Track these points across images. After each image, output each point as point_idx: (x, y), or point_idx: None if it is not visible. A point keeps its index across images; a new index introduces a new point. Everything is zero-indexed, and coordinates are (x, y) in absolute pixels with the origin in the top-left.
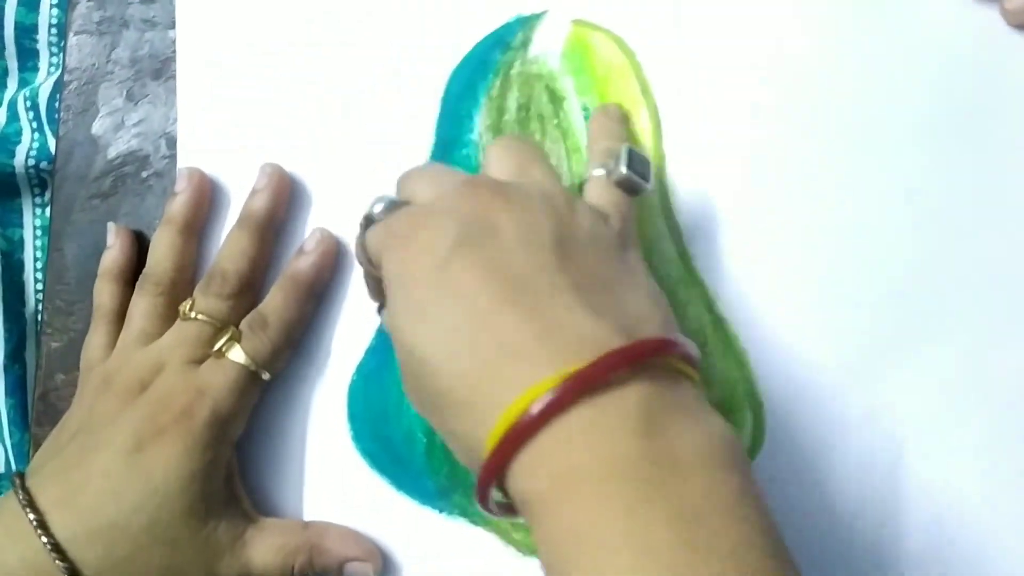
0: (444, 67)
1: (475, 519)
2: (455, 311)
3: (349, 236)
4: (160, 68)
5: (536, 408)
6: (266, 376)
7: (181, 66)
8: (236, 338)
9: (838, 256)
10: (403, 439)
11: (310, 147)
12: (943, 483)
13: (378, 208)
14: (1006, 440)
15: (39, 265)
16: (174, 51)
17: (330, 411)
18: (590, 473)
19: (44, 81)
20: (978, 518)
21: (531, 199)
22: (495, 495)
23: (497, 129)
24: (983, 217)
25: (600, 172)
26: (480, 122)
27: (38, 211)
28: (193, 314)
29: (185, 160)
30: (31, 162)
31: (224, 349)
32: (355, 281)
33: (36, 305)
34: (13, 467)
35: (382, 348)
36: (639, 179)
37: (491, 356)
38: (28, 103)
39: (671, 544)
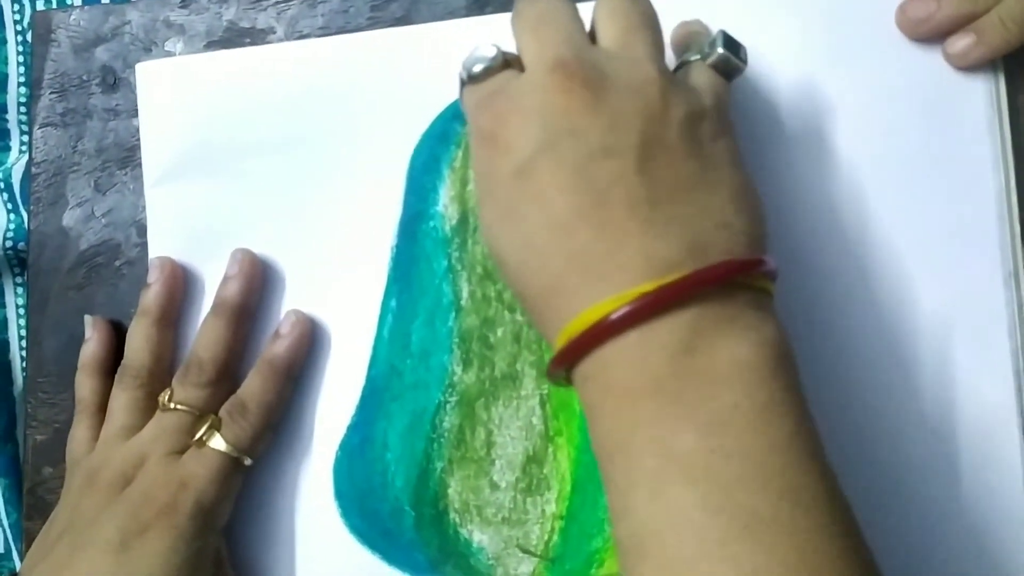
0: (407, 142)
1: None
2: (533, 219)
3: (323, 316)
4: (126, 156)
5: (592, 328)
6: (248, 462)
7: (145, 155)
8: (216, 426)
9: (796, 313)
10: (391, 513)
11: (279, 229)
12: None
13: (477, 68)
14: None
15: (24, 344)
16: (138, 139)
17: (317, 490)
18: (630, 389)
19: (16, 161)
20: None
21: (623, 95)
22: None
23: (461, 200)
24: (937, 258)
25: (695, 56)
26: (444, 194)
27: (19, 290)
28: (172, 404)
29: (155, 248)
30: (8, 243)
31: (205, 438)
32: (333, 358)
33: (24, 383)
34: (12, 547)
35: (364, 423)
36: (737, 60)
37: (562, 268)
38: (2, 184)
39: (694, 450)
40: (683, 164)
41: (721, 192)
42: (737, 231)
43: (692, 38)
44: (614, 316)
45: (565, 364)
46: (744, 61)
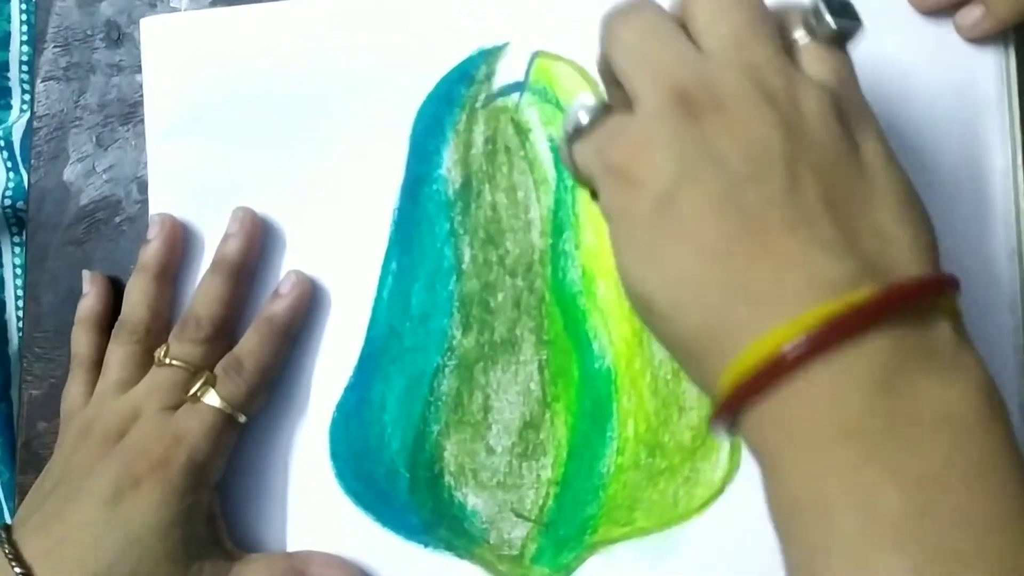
0: (411, 104)
1: (460, 553)
2: (682, 252)
3: (323, 276)
4: (129, 112)
5: (767, 362)
6: (242, 419)
7: (149, 111)
8: (211, 382)
9: None
10: (386, 475)
11: (281, 188)
12: None
13: (584, 118)
14: None
15: (20, 304)
16: (141, 95)
17: (312, 450)
18: (817, 435)
19: (17, 120)
20: None
21: (752, 106)
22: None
23: (465, 163)
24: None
25: (800, 35)
26: (448, 157)
27: (17, 249)
28: (168, 360)
29: (156, 205)
30: (7, 202)
31: (199, 394)
32: (332, 319)
33: (19, 343)
34: (3, 504)
35: (362, 385)
36: (851, 22)
37: (722, 300)
38: (2, 142)
39: (904, 512)
40: (833, 174)
41: (883, 201)
42: (906, 245)
43: (785, 16)
44: (793, 344)
45: (733, 411)
46: (858, 18)
